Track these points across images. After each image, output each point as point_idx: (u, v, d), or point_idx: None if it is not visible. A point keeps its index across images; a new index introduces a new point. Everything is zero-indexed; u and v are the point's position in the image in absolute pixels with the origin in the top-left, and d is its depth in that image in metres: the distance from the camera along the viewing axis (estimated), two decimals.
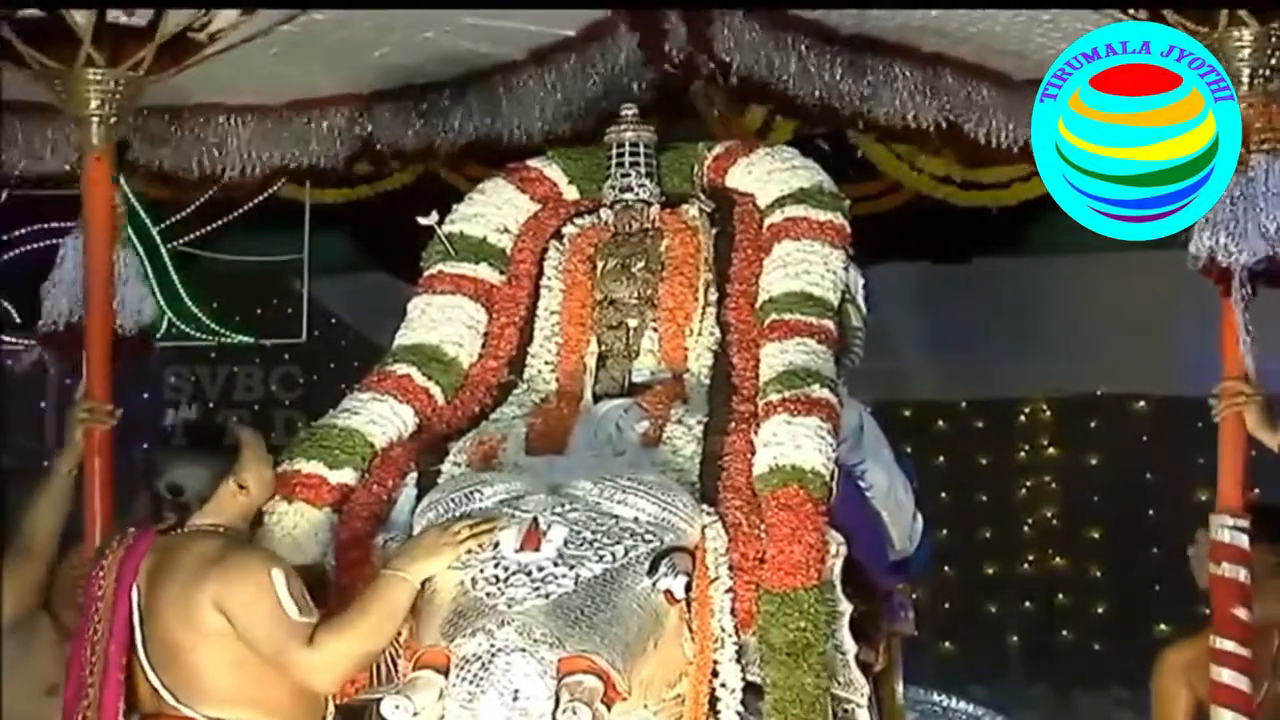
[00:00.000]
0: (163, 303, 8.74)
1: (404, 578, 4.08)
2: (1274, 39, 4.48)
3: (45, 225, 7.60)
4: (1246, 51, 4.47)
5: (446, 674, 3.95)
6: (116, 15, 4.81)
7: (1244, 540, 4.58)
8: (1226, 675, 4.55)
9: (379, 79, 5.66)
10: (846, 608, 4.33)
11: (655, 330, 5.00)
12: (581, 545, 4.09)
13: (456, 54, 5.60)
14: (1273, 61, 4.50)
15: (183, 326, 8.76)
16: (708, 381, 4.85)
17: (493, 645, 3.93)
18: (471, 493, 4.28)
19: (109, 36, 4.84)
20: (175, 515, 4.22)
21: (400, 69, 5.64)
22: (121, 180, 5.17)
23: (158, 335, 5.41)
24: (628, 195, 5.15)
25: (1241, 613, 4.57)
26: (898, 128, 5.62)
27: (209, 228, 8.51)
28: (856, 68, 5.50)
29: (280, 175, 5.92)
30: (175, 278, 8.76)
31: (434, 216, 5.15)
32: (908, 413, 9.92)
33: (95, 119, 4.94)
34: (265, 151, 5.66)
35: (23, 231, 7.90)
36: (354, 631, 4.05)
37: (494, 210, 5.28)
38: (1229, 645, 4.56)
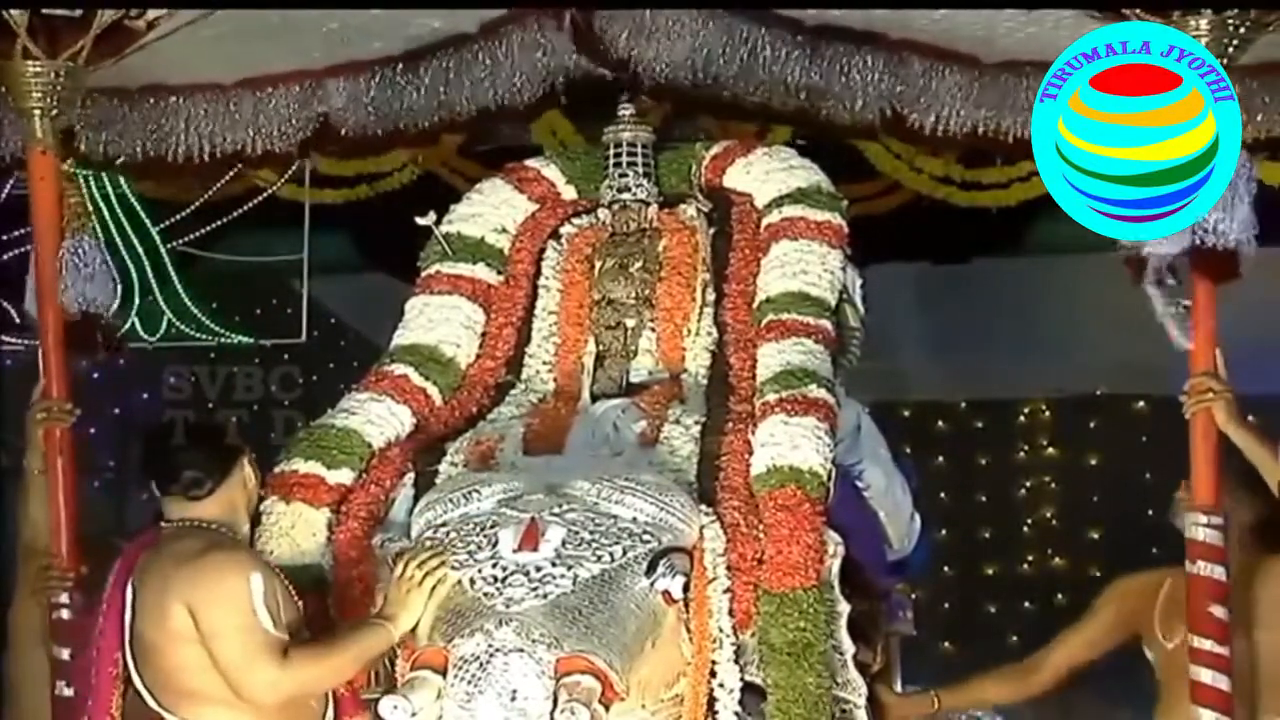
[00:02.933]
0: (162, 302, 8.78)
1: (388, 628, 4.09)
2: (1230, 27, 4.47)
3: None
4: (1204, 40, 4.44)
5: (445, 674, 3.96)
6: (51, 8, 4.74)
7: (1219, 537, 4.56)
8: (1206, 675, 4.51)
9: (331, 54, 5.43)
10: (845, 608, 4.33)
11: (653, 330, 4.99)
12: (579, 545, 4.09)
13: (408, 29, 5.46)
14: (1230, 50, 4.48)
15: (182, 326, 8.76)
16: (705, 381, 4.84)
17: (491, 645, 3.93)
18: (469, 493, 4.28)
19: (44, 29, 4.76)
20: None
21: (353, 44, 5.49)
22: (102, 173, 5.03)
23: (124, 328, 5.25)
24: (625, 195, 5.15)
25: (1218, 611, 4.54)
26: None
27: (209, 228, 8.51)
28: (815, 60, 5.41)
29: (235, 160, 5.77)
30: (175, 278, 8.77)
31: (432, 216, 5.15)
32: (908, 413, 9.92)
33: (37, 111, 4.83)
34: (218, 134, 5.51)
35: (22, 232, 7.89)
36: (328, 664, 4.05)
37: (492, 210, 5.28)
38: (1207, 644, 4.52)
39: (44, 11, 4.73)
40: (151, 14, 4.81)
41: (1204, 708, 4.52)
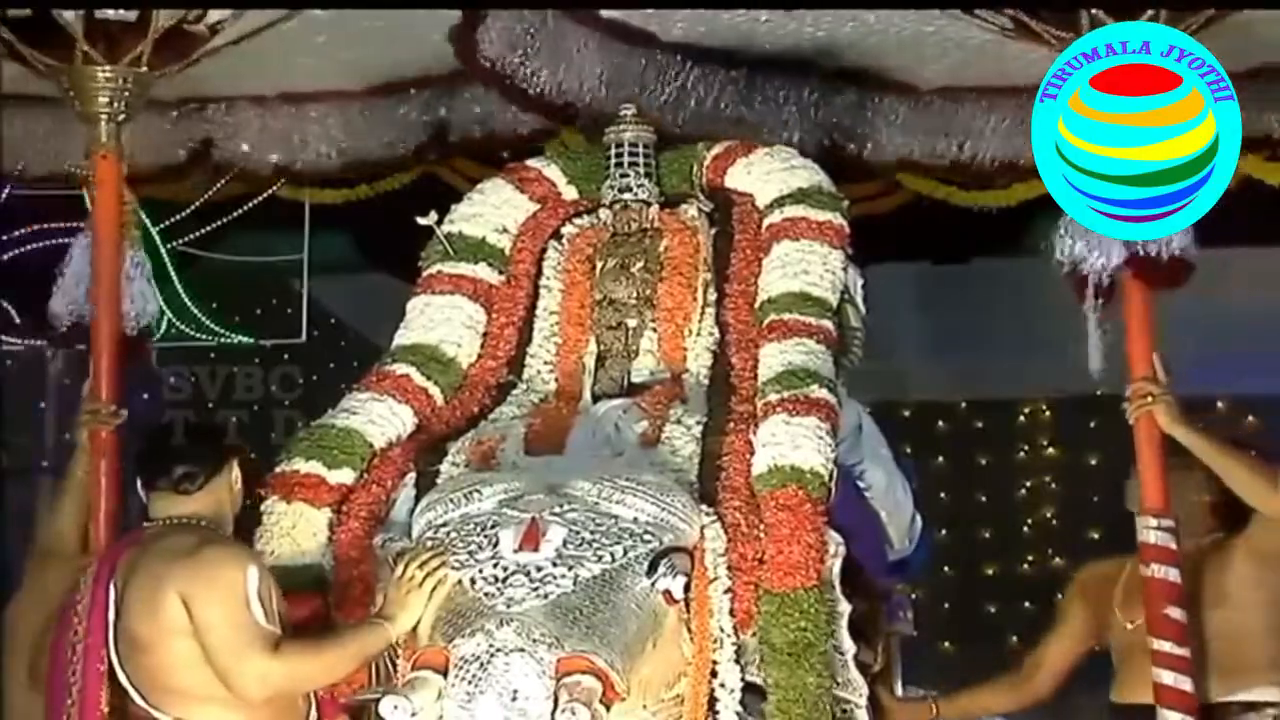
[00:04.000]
0: (162, 303, 8.78)
1: (386, 628, 4.09)
2: None
3: (46, 225, 7.60)
4: None
5: (445, 674, 3.96)
6: (105, 11, 4.74)
7: (1171, 540, 4.59)
8: (1167, 677, 4.54)
9: (450, 58, 5.46)
10: (845, 608, 4.33)
11: (654, 330, 4.99)
12: (580, 545, 4.09)
13: None
14: None
15: (182, 326, 8.76)
16: (706, 382, 4.84)
17: (491, 645, 3.93)
18: (470, 493, 4.28)
19: (102, 33, 4.78)
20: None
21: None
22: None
23: (156, 336, 5.30)
24: (627, 195, 5.15)
25: (1174, 612, 4.56)
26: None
27: (209, 228, 8.51)
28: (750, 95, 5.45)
29: (363, 168, 5.81)
30: (175, 278, 8.77)
31: (433, 216, 5.15)
32: (908, 413, 9.90)
33: (104, 116, 4.85)
34: (347, 142, 5.54)
35: (23, 232, 7.89)
36: (322, 660, 4.05)
37: (493, 210, 5.28)
38: (1166, 646, 4.55)
39: (98, 15, 4.74)
40: (213, 18, 4.82)
41: (1168, 709, 4.53)
